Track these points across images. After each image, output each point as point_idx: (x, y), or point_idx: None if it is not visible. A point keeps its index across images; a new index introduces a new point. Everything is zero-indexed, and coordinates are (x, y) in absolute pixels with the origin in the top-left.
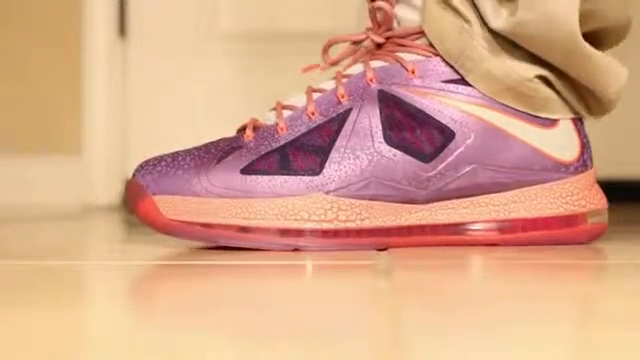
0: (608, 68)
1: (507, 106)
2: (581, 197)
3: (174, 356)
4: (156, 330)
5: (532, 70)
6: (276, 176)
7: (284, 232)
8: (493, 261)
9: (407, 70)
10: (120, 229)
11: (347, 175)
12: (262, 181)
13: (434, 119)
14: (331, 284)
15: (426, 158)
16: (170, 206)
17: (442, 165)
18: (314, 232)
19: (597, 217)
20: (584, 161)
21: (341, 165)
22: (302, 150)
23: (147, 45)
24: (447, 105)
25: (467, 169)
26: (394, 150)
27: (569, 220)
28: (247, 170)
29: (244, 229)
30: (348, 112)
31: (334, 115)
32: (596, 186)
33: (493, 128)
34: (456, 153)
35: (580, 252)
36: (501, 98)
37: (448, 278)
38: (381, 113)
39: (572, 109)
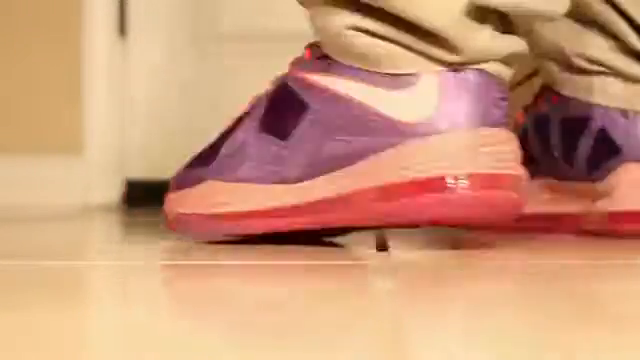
0: None
1: (353, 69)
2: (433, 160)
3: (174, 356)
4: (156, 330)
5: (344, 19)
6: (199, 168)
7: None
8: (493, 261)
9: (304, 54)
10: (120, 229)
11: (227, 160)
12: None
13: (298, 96)
14: (330, 284)
15: (284, 135)
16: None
17: (294, 139)
18: (200, 217)
19: (467, 182)
20: (439, 122)
21: (226, 150)
22: (216, 141)
23: (147, 45)
24: (311, 81)
25: (317, 142)
26: (263, 134)
27: (425, 185)
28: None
29: (212, 217)
30: (260, 100)
31: (252, 104)
32: (472, 149)
33: (337, 96)
34: (303, 126)
35: (583, 252)
36: (337, 56)
37: (449, 278)
38: (269, 98)
39: (428, 57)
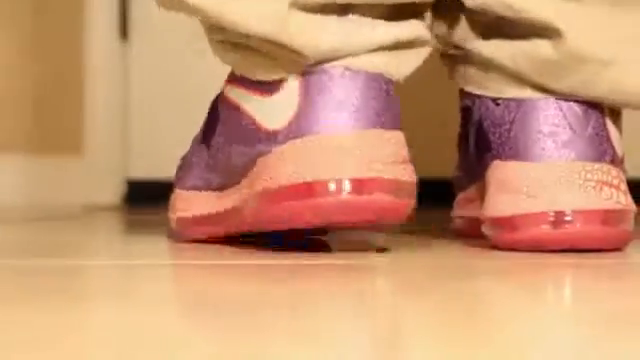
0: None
1: (242, 77)
2: (294, 167)
3: (174, 356)
4: (156, 330)
5: (209, 32)
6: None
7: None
8: (494, 262)
9: None
10: (121, 229)
11: (181, 168)
12: None
13: (217, 106)
14: (331, 284)
15: (209, 145)
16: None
17: (213, 149)
18: (173, 220)
19: (330, 188)
20: (298, 127)
21: (183, 159)
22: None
23: (148, 47)
24: (223, 91)
25: (226, 152)
26: (202, 144)
27: (271, 196)
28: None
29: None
30: None
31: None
32: (333, 153)
33: (233, 105)
34: (216, 136)
35: (580, 252)
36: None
37: (448, 278)
38: (209, 110)
39: (286, 62)
